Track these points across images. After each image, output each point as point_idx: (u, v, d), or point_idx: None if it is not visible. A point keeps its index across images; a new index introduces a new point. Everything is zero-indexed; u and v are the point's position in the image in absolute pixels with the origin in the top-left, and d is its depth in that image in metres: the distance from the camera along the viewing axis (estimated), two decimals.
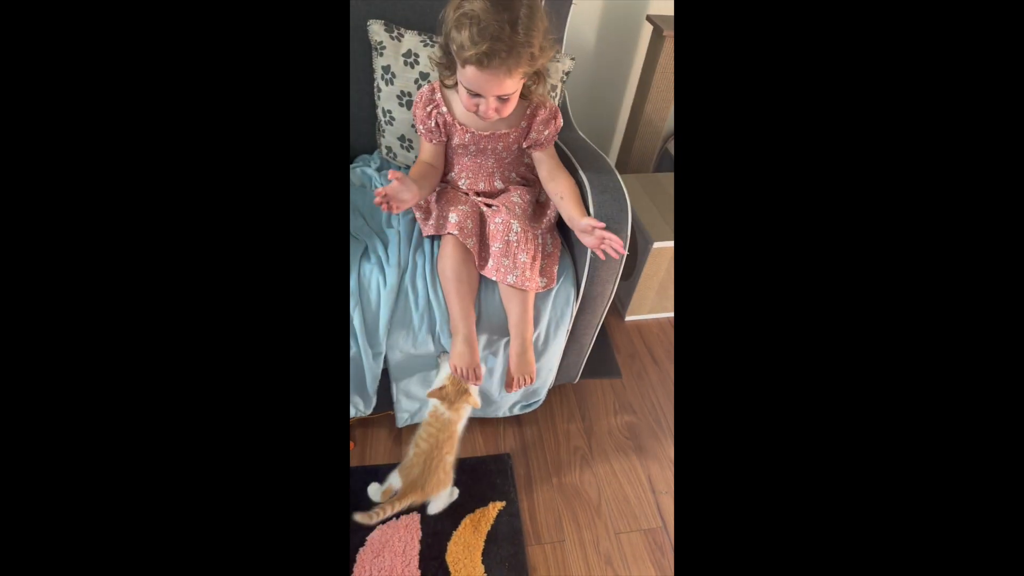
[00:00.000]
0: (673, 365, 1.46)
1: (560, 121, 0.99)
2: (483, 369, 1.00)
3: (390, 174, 0.85)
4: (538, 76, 0.92)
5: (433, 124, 0.98)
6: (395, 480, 0.99)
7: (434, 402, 0.99)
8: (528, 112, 0.98)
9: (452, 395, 0.98)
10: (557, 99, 1.19)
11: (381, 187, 0.86)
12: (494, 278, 0.96)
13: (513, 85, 0.86)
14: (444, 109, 0.97)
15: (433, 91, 0.97)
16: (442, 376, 1.00)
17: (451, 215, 0.96)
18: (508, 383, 0.99)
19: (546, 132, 0.99)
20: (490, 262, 0.97)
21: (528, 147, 1.01)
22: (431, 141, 1.00)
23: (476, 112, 0.89)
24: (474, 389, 1.02)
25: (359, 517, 0.93)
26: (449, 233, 0.95)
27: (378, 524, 0.96)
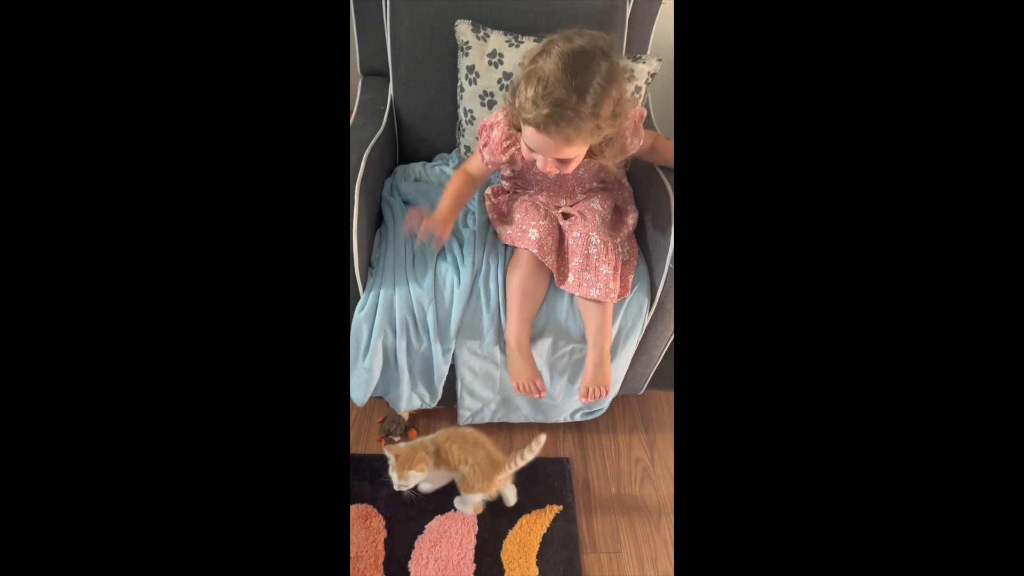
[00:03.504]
0: None
1: (642, 132, 0.94)
2: (543, 381, 1.00)
3: (410, 213, 0.90)
4: (607, 141, 0.85)
5: (505, 159, 0.93)
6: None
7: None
8: None
9: (403, 458, 0.97)
10: (640, 101, 1.15)
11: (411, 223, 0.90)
12: (576, 293, 0.94)
13: (574, 151, 0.82)
14: (521, 145, 0.90)
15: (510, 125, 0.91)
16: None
17: (532, 231, 0.95)
18: (583, 393, 0.97)
19: (636, 140, 0.93)
20: (570, 277, 0.95)
21: (619, 159, 0.96)
22: (487, 166, 0.96)
23: (535, 165, 0.86)
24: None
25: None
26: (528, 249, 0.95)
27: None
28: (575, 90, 0.74)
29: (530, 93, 0.76)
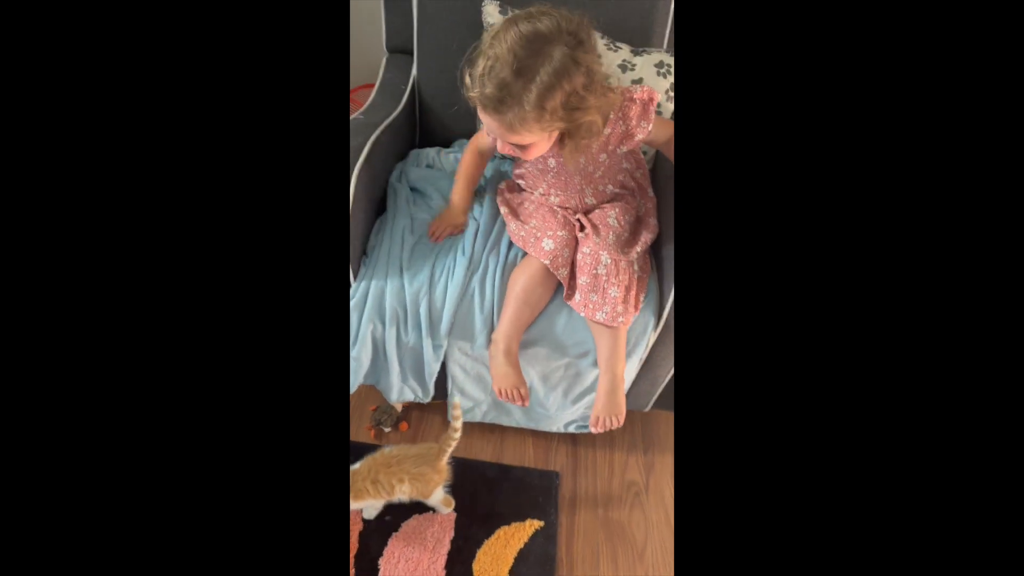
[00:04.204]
0: None
1: (652, 116, 0.84)
2: (527, 389, 0.94)
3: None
4: (570, 132, 0.77)
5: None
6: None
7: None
8: (613, 117, 0.82)
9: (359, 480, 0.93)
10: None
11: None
12: (582, 314, 0.88)
13: (526, 139, 0.76)
14: None
15: None
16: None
17: (547, 241, 0.89)
18: (593, 422, 0.91)
19: (644, 124, 0.84)
20: (577, 295, 0.89)
21: (625, 147, 0.88)
22: (491, 136, 0.90)
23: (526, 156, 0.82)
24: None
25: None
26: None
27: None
28: (520, 75, 0.69)
29: (478, 70, 0.73)
